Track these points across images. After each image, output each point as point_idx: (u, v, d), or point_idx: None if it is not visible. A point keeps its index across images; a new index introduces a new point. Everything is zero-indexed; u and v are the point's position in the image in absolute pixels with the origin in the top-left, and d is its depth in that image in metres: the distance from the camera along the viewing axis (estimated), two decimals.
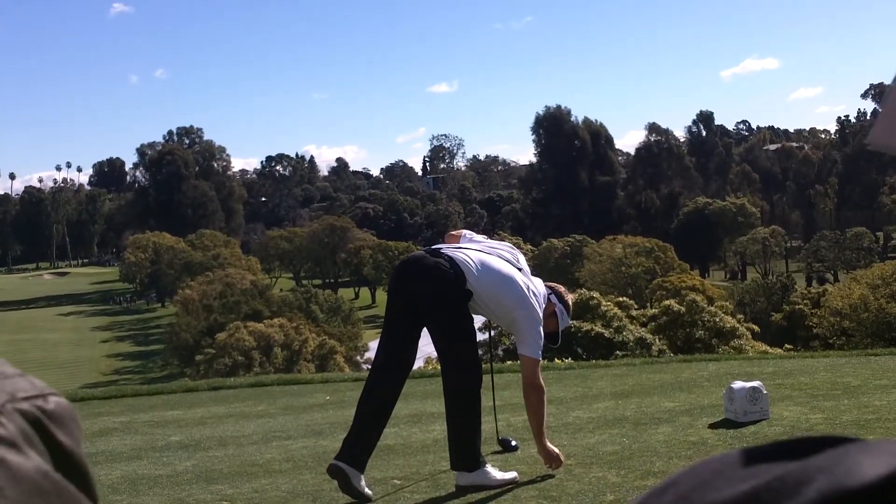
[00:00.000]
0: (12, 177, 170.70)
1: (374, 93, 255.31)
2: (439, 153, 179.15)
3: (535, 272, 6.12)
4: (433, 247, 5.82)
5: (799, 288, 61.49)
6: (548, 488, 5.35)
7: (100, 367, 69.86)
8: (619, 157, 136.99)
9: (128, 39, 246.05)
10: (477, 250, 5.74)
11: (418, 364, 10.00)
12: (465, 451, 5.48)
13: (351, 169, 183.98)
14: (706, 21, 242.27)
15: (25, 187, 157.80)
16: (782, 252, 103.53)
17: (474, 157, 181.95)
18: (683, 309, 28.59)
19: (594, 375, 9.89)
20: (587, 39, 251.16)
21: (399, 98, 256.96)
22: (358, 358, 53.41)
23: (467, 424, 5.52)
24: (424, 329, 5.62)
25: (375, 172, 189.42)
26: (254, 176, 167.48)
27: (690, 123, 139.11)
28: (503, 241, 6.66)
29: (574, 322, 20.77)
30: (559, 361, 11.48)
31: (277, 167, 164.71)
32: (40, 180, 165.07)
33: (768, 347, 26.92)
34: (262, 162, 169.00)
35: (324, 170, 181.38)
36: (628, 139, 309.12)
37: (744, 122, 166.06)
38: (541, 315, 5.65)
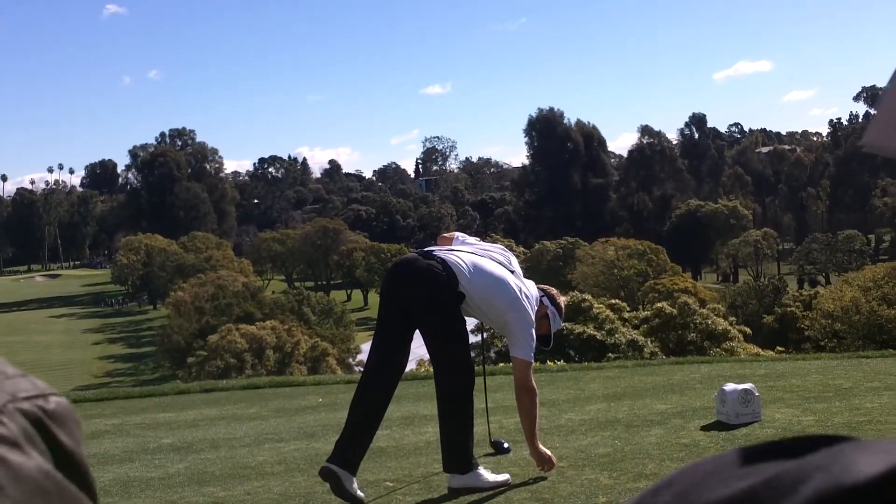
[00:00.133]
0: (4, 178, 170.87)
1: (368, 95, 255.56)
2: (432, 155, 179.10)
3: (527, 274, 6.13)
4: (426, 249, 5.82)
5: (791, 290, 61.55)
6: (540, 490, 5.35)
7: (91, 370, 69.67)
8: (612, 160, 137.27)
9: (121, 41, 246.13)
10: (469, 252, 5.74)
11: (411, 366, 10.00)
12: (458, 454, 5.48)
13: (344, 171, 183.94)
14: (699, 23, 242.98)
15: (17, 189, 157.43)
16: (774, 254, 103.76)
17: (467, 159, 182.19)
18: (675, 311, 28.60)
19: (586, 378, 9.90)
20: (580, 42, 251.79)
21: (392, 100, 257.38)
22: (350, 360, 53.32)
23: (460, 427, 5.52)
24: (417, 331, 5.62)
25: (368, 174, 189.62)
26: (246, 178, 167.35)
27: (683, 126, 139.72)
28: (496, 243, 6.66)
29: (566, 324, 20.80)
30: (551, 364, 11.48)
31: (270, 169, 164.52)
32: (32, 182, 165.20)
33: (760, 350, 26.90)
34: (254, 164, 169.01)
35: (316, 172, 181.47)
36: (621, 141, 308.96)
37: (736, 124, 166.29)
38: (533, 317, 5.65)
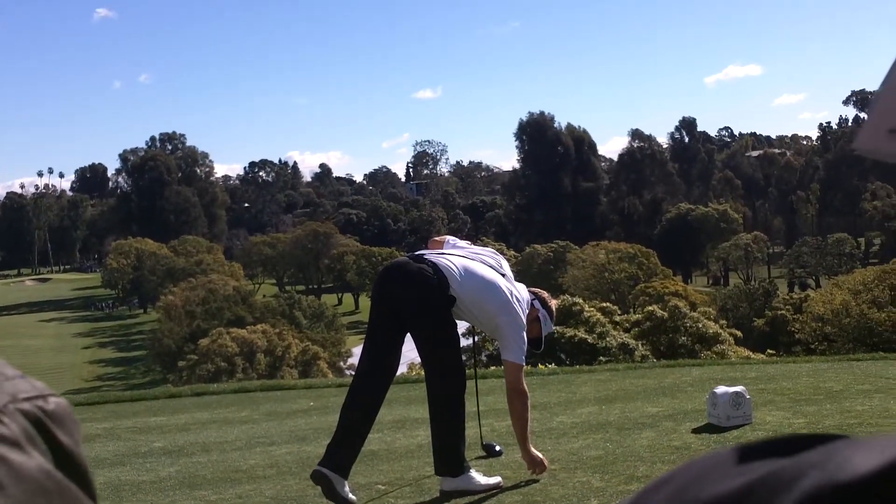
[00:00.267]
0: None
1: (358, 99, 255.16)
2: (423, 159, 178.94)
3: (518, 278, 6.14)
4: (416, 253, 5.83)
5: (781, 294, 61.63)
6: (532, 493, 5.36)
7: (82, 374, 69.47)
8: (602, 164, 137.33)
9: (111, 45, 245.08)
10: (460, 256, 5.75)
11: (402, 370, 9.99)
12: (450, 457, 5.49)
13: (334, 175, 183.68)
14: (689, 28, 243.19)
15: (7, 193, 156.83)
16: (764, 258, 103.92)
17: (458, 163, 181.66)
18: (666, 314, 28.63)
19: (578, 381, 9.91)
20: (571, 46, 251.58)
21: (383, 104, 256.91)
22: (341, 364, 53.27)
23: (451, 430, 5.53)
24: (408, 335, 5.63)
25: (359, 178, 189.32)
26: (237, 182, 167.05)
27: (673, 130, 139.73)
28: (486, 246, 6.67)
29: (557, 328, 20.79)
30: (543, 367, 11.50)
31: (260, 173, 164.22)
32: (22, 186, 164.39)
33: (751, 353, 26.97)
34: (245, 168, 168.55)
35: (307, 175, 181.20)
36: (611, 145, 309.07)
37: (726, 128, 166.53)
38: (524, 320, 5.66)
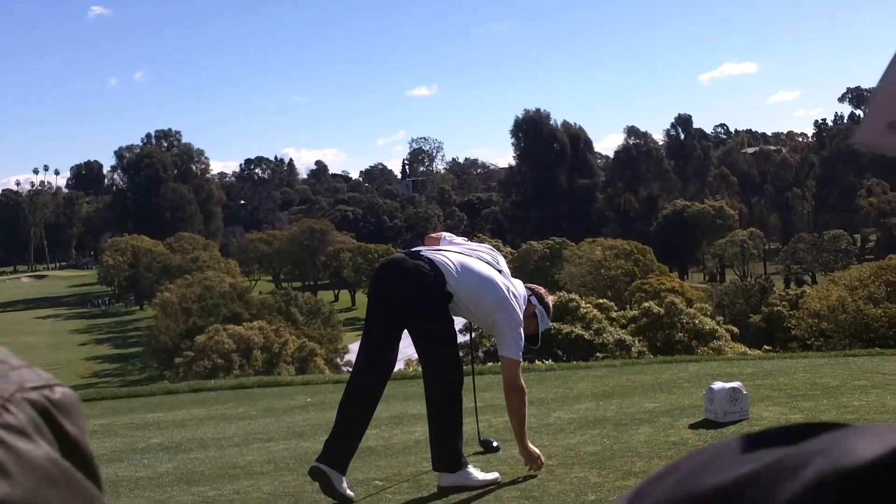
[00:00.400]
0: None
1: (354, 96, 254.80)
2: (419, 156, 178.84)
3: (514, 274, 6.14)
4: (413, 249, 5.83)
5: (777, 290, 61.70)
6: (529, 489, 5.37)
7: (78, 370, 69.43)
8: (598, 160, 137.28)
9: (107, 42, 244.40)
10: (457, 252, 5.75)
11: (399, 366, 10.01)
12: (447, 452, 5.50)
13: (330, 172, 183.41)
14: (685, 25, 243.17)
15: (2, 190, 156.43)
16: (760, 254, 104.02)
17: (454, 160, 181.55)
18: (663, 311, 28.63)
19: (575, 377, 9.92)
20: (567, 43, 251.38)
21: (379, 101, 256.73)
22: (338, 360, 53.25)
23: (449, 426, 5.53)
24: (405, 331, 5.63)
25: (355, 175, 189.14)
26: (232, 179, 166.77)
27: (669, 127, 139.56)
28: (483, 243, 6.67)
29: (554, 324, 20.80)
30: (540, 363, 11.50)
31: (256, 170, 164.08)
32: (17, 183, 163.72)
33: (747, 349, 26.99)
34: (240, 165, 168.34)
35: (303, 173, 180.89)
36: (607, 142, 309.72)
37: (722, 125, 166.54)
38: (521, 316, 5.67)
